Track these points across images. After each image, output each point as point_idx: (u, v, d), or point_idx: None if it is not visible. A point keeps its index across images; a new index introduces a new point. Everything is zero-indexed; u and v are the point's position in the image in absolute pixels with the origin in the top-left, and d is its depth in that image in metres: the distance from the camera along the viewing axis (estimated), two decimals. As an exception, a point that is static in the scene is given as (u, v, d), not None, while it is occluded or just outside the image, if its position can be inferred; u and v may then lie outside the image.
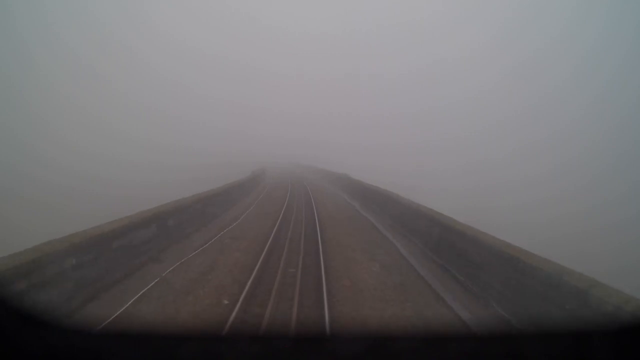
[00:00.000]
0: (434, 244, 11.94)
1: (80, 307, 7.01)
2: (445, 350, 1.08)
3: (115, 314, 6.88)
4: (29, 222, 27.55)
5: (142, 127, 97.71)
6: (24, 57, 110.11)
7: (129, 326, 6.15)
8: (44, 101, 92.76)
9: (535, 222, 35.48)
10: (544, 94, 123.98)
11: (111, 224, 8.85)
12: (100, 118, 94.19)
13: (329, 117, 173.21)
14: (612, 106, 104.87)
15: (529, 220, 36.30)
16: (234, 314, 6.91)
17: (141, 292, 7.97)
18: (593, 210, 41.16)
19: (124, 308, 7.19)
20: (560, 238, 27.70)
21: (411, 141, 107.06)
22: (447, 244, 10.93)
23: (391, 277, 9.84)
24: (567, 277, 6.07)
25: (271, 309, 7.26)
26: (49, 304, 6.26)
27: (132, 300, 7.56)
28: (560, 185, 55.23)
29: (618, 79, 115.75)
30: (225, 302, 7.62)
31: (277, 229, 14.91)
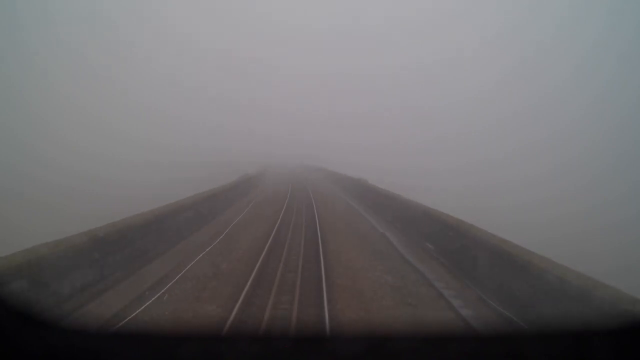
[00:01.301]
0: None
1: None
2: (445, 350, 1.08)
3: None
4: (29, 222, 27.57)
5: (142, 127, 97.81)
6: (24, 57, 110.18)
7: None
8: (44, 101, 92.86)
9: (535, 222, 35.49)
10: (544, 94, 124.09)
11: None
12: (100, 118, 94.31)
13: (328, 117, 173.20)
14: (612, 106, 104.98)
15: (529, 220, 36.31)
16: None
17: None
18: (593, 210, 41.16)
19: None
20: (560, 238, 27.70)
21: (411, 141, 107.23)
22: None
23: None
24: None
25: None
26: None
27: None
28: (560, 185, 55.24)
29: (618, 79, 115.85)
30: None
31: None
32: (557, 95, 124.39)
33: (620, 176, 57.72)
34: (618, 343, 1.09)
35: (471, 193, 51.89)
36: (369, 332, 1.13)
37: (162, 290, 9.20)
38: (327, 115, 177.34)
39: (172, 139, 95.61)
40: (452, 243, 11.78)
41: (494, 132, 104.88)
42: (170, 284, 9.65)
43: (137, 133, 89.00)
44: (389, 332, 1.12)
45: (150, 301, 8.52)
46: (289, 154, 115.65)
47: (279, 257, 11.85)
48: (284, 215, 19.68)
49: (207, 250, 12.85)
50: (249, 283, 9.35)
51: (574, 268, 6.88)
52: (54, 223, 23.33)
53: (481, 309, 8.44)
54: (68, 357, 1.09)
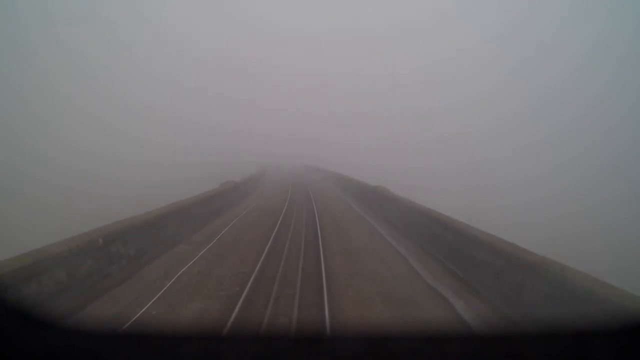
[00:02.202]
0: None
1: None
2: (445, 350, 1.08)
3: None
4: (29, 222, 27.58)
5: (142, 127, 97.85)
6: (24, 57, 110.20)
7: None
8: (44, 101, 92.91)
9: (535, 222, 35.49)
10: (544, 94, 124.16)
11: None
12: (100, 118, 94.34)
13: (328, 117, 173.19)
14: (612, 106, 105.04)
15: (529, 220, 36.31)
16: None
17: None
18: (593, 210, 41.18)
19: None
20: (560, 238, 27.69)
21: (411, 141, 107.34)
22: None
23: None
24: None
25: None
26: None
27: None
28: (560, 185, 55.29)
29: (618, 79, 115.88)
30: None
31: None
32: (557, 95, 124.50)
33: (620, 176, 57.79)
34: (618, 343, 1.09)
35: (471, 193, 51.93)
36: (369, 332, 1.13)
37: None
38: (327, 115, 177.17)
39: (172, 139, 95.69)
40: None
41: (494, 132, 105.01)
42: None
43: (137, 133, 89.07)
44: (389, 332, 1.12)
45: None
46: (289, 154, 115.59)
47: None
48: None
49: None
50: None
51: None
52: (54, 223, 23.35)
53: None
54: (68, 357, 1.08)
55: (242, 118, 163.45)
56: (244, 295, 8.27)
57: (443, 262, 11.65)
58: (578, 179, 57.85)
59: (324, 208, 22.31)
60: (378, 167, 64.21)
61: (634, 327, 1.19)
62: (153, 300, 8.18)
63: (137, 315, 7.56)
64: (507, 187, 54.88)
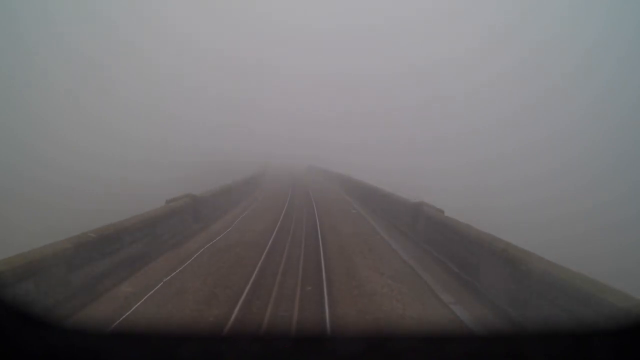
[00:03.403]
0: None
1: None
2: (445, 350, 1.08)
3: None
4: (29, 222, 27.60)
5: (142, 127, 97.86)
6: (24, 57, 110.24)
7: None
8: (44, 101, 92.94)
9: (535, 222, 35.51)
10: (543, 94, 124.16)
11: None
12: (100, 118, 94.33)
13: (328, 116, 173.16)
14: (612, 106, 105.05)
15: (529, 220, 36.33)
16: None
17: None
18: (593, 211, 41.19)
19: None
20: (561, 240, 27.69)
21: (411, 141, 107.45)
22: None
23: None
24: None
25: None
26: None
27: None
28: (560, 185, 55.32)
29: (618, 79, 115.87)
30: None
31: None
32: (557, 95, 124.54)
33: (620, 176, 57.81)
34: (618, 343, 1.09)
35: (471, 193, 51.97)
36: (369, 332, 1.13)
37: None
38: (327, 115, 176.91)
39: (172, 138, 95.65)
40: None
41: (494, 131, 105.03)
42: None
43: (137, 133, 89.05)
44: (389, 332, 1.12)
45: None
46: (289, 154, 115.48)
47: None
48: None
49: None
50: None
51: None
52: (54, 223, 23.36)
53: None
54: (68, 357, 1.08)
55: (242, 118, 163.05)
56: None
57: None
58: (578, 179, 57.90)
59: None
60: (378, 167, 64.27)
61: (634, 327, 1.19)
62: None
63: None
64: (507, 187, 54.94)
